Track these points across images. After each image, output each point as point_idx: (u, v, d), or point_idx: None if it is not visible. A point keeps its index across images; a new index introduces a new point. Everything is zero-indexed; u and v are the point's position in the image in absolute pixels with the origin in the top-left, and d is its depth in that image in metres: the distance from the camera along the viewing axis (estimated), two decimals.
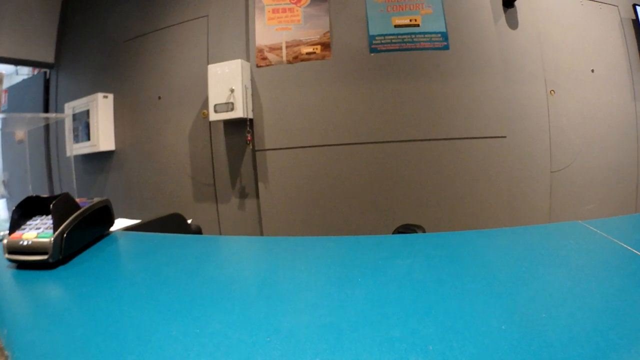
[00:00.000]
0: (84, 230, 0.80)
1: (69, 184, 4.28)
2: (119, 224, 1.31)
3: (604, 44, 3.48)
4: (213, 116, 3.35)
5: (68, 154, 4.36)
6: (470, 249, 0.71)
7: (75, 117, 4.34)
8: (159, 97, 3.97)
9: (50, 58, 4.81)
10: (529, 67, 3.38)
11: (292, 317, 0.47)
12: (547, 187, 3.40)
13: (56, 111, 4.74)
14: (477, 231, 0.79)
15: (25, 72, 5.57)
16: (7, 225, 0.74)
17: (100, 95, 4.17)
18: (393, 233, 2.08)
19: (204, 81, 3.43)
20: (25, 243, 0.69)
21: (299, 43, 3.35)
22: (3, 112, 5.06)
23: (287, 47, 3.36)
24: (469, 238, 0.77)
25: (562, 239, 0.72)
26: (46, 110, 4.87)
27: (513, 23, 3.36)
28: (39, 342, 0.45)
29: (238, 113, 3.24)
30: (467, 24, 3.22)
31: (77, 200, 0.83)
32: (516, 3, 3.35)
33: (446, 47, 3.20)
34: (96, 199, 0.88)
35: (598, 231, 0.70)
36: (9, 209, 3.42)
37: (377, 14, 3.26)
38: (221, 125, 3.65)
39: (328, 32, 3.31)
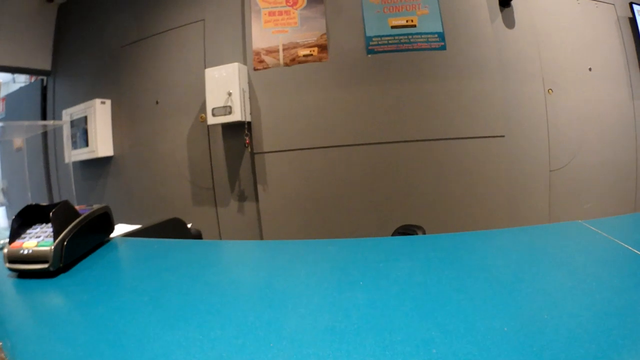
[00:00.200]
0: (84, 238, 0.79)
1: (68, 190, 4.28)
2: (119, 229, 1.31)
3: (601, 43, 3.49)
4: (211, 120, 3.35)
5: (66, 160, 4.36)
6: (471, 250, 0.71)
7: (73, 123, 4.34)
8: (157, 102, 3.97)
9: (47, 65, 4.82)
10: (527, 66, 3.38)
11: (295, 322, 0.47)
12: (546, 186, 3.41)
13: (54, 118, 4.74)
14: (478, 232, 0.79)
15: (22, 80, 5.58)
16: (7, 233, 0.74)
17: (97, 101, 4.17)
18: (393, 234, 2.08)
19: (201, 85, 3.43)
20: (25, 252, 0.69)
21: (295, 45, 3.35)
22: (1, 120, 5.06)
23: (284, 49, 3.36)
24: (470, 239, 0.77)
25: (563, 240, 0.72)
26: (44, 117, 4.87)
27: (510, 22, 3.37)
28: (41, 352, 0.45)
29: (236, 116, 3.24)
30: (463, 24, 3.22)
31: (77, 207, 0.83)
32: (513, 2, 3.36)
33: (443, 48, 3.21)
34: (96, 206, 0.87)
35: (599, 231, 0.70)
36: (8, 216, 3.42)
37: (374, 15, 3.26)
38: (219, 129, 3.65)
39: (325, 34, 3.32)
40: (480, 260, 0.66)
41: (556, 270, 0.57)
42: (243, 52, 3.49)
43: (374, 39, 3.25)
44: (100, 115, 4.18)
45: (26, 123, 3.58)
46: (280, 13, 3.37)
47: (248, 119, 3.36)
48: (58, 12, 4.85)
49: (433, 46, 3.21)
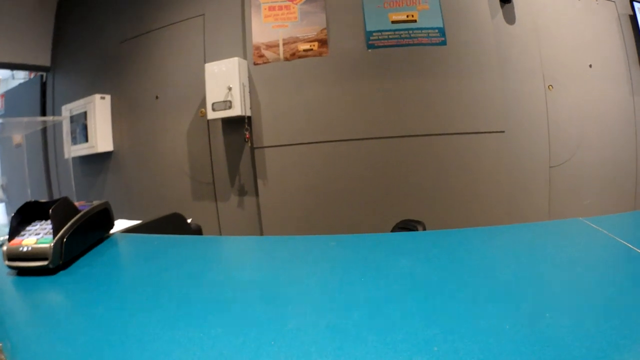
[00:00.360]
0: (83, 234, 0.79)
1: (68, 186, 4.27)
2: (119, 225, 1.31)
3: (602, 40, 3.48)
4: (211, 114, 3.35)
5: (66, 156, 4.35)
6: (473, 247, 0.71)
7: (72, 119, 4.33)
8: (157, 97, 3.96)
9: (46, 61, 4.80)
10: (527, 62, 3.37)
11: (296, 319, 0.47)
12: (546, 182, 3.40)
13: (53, 114, 4.73)
14: (479, 229, 0.79)
15: (21, 76, 5.56)
16: (7, 230, 0.74)
17: (97, 96, 4.16)
18: (393, 229, 2.09)
19: (201, 80, 3.42)
20: (25, 249, 0.69)
21: (295, 40, 3.34)
22: (0, 116, 5.06)
23: (284, 44, 3.35)
24: (471, 236, 0.77)
25: (564, 237, 0.72)
26: (43, 113, 4.86)
27: (510, 18, 3.36)
28: (41, 351, 0.45)
29: (236, 111, 3.24)
30: (464, 20, 3.21)
31: (76, 203, 0.83)
32: None
33: (443, 43, 3.20)
34: (95, 202, 0.87)
35: (599, 228, 0.70)
36: (8, 213, 3.42)
37: (374, 10, 3.25)
38: (219, 124, 3.64)
39: (325, 28, 3.31)
40: (481, 257, 0.66)
41: (557, 268, 0.57)
42: (243, 47, 3.48)
43: (374, 34, 3.24)
44: (99, 111, 4.18)
45: (25, 119, 3.59)
46: (280, 8, 3.36)
47: (248, 113, 3.35)
48: (57, 8, 4.84)
49: (433, 41, 3.20)
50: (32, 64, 4.75)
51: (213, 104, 3.31)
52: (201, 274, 0.67)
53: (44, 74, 4.96)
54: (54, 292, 0.64)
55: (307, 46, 3.32)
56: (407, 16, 3.21)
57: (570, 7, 3.46)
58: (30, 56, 4.66)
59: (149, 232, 1.00)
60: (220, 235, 3.70)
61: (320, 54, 3.30)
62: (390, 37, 3.22)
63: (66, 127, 4.35)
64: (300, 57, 3.32)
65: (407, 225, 2.05)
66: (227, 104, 3.25)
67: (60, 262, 0.70)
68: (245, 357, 0.40)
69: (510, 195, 3.27)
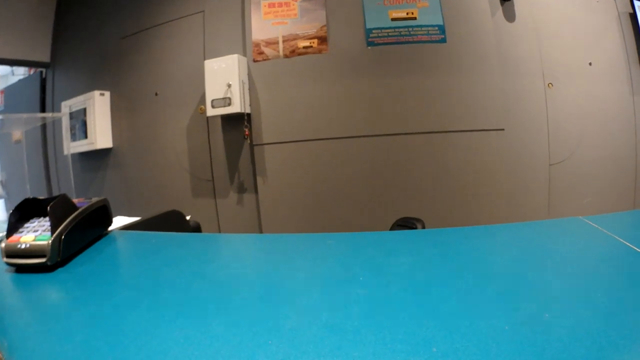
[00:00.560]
0: (82, 232, 0.79)
1: (67, 182, 4.27)
2: (118, 221, 1.31)
3: (602, 38, 3.47)
4: (210, 111, 3.35)
5: (65, 152, 4.35)
6: (472, 246, 0.71)
7: (72, 115, 4.33)
8: (156, 94, 3.96)
9: (46, 57, 4.80)
10: (527, 60, 3.37)
11: (294, 319, 0.47)
12: (546, 180, 3.40)
13: (53, 110, 4.72)
14: (479, 227, 0.78)
15: (21, 72, 5.55)
16: (5, 227, 0.74)
17: (97, 92, 4.16)
18: (392, 226, 2.09)
19: (200, 77, 3.42)
20: (23, 246, 0.68)
21: (295, 37, 3.33)
22: (0, 113, 5.05)
23: (283, 41, 3.35)
24: (470, 234, 0.77)
25: (564, 236, 0.72)
26: (43, 109, 4.85)
27: (510, 16, 3.35)
28: (38, 348, 0.45)
29: (235, 108, 3.24)
30: (464, 17, 3.21)
31: (75, 200, 0.83)
32: None
33: (443, 40, 3.19)
34: (94, 199, 0.87)
35: (599, 227, 0.70)
36: (7, 209, 3.42)
37: (374, 7, 3.25)
38: (219, 121, 3.64)
39: (324, 25, 3.30)
40: (481, 256, 0.66)
41: (556, 268, 0.57)
42: (243, 44, 3.47)
43: (374, 31, 3.24)
44: (99, 107, 4.17)
45: (25, 115, 3.58)
46: (280, 4, 3.36)
47: (247, 110, 3.35)
48: (57, 4, 4.83)
49: (433, 39, 3.20)
50: (32, 60, 4.74)
51: (212, 100, 3.31)
52: (199, 272, 0.67)
53: (44, 70, 4.96)
54: (51, 290, 0.63)
55: (306, 43, 3.31)
56: (407, 13, 3.21)
57: (571, 5, 3.46)
58: (30, 52, 4.65)
59: (148, 229, 1.00)
60: (220, 232, 3.71)
61: (320, 51, 3.30)
62: (390, 34, 3.22)
63: (65, 124, 4.34)
64: (299, 54, 3.32)
65: (406, 223, 2.06)
66: (227, 101, 3.25)
67: (59, 260, 0.70)
68: (242, 356, 0.40)
69: (509, 193, 3.27)
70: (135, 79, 4.10)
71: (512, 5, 3.35)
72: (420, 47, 3.21)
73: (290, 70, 3.34)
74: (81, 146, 4.28)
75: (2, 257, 0.69)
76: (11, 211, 0.74)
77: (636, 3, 3.48)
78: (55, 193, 0.79)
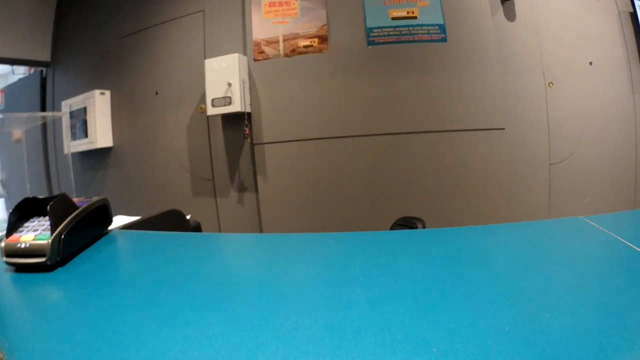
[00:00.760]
0: (82, 231, 0.79)
1: (67, 181, 4.27)
2: (118, 221, 1.31)
3: (602, 37, 3.47)
4: (211, 110, 3.35)
5: (66, 151, 4.35)
6: (473, 246, 0.71)
7: (72, 114, 4.33)
8: (156, 93, 3.95)
9: (46, 56, 4.80)
10: (527, 59, 3.37)
11: (294, 319, 0.47)
12: (546, 179, 3.40)
13: (53, 109, 4.72)
14: (479, 227, 0.78)
15: (21, 71, 5.55)
16: (5, 226, 0.74)
17: (97, 92, 4.16)
18: (392, 226, 2.08)
19: (201, 76, 3.42)
20: (22, 246, 0.68)
21: (296, 36, 3.33)
22: (0, 112, 5.05)
23: (284, 40, 3.35)
24: (471, 234, 0.76)
25: (564, 236, 0.72)
26: (43, 108, 4.85)
27: (511, 15, 3.35)
28: (38, 348, 0.44)
29: (236, 107, 3.24)
30: (464, 16, 3.21)
31: (75, 199, 0.83)
32: None
33: (444, 40, 3.19)
34: (94, 198, 0.87)
35: (599, 227, 0.70)
36: (7, 208, 3.42)
37: (374, 6, 3.25)
38: (219, 120, 3.64)
39: (325, 25, 3.30)
40: (481, 256, 0.66)
41: (557, 268, 0.57)
42: (243, 43, 3.47)
43: (374, 30, 3.24)
44: (99, 106, 4.17)
45: (25, 114, 3.58)
46: (281, 4, 3.36)
47: (248, 109, 3.35)
48: (57, 4, 4.82)
49: (434, 38, 3.20)
50: (32, 59, 4.74)
51: (213, 100, 3.31)
52: (199, 272, 0.67)
53: (44, 69, 4.95)
54: (51, 289, 0.63)
55: (307, 42, 3.31)
56: (408, 12, 3.21)
57: (571, 5, 3.45)
58: (30, 51, 4.65)
59: (148, 229, 1.00)
60: (220, 232, 3.71)
61: (320, 51, 3.30)
62: (390, 33, 3.22)
63: (66, 123, 4.34)
64: (300, 53, 3.32)
65: (406, 223, 2.05)
66: (227, 100, 3.25)
67: (58, 259, 0.70)
68: (242, 356, 0.40)
69: (510, 193, 3.27)
70: (135, 78, 4.10)
71: (513, 5, 3.35)
72: (420, 46, 3.21)
73: (290, 70, 3.34)
74: (81, 145, 4.28)
75: (2, 257, 0.69)
76: (11, 210, 0.74)
77: (636, 2, 3.47)
78: (56, 192, 0.79)
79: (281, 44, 3.35)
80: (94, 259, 0.75)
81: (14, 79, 5.56)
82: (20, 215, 0.76)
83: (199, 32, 3.72)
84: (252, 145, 3.45)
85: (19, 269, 0.70)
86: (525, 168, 3.38)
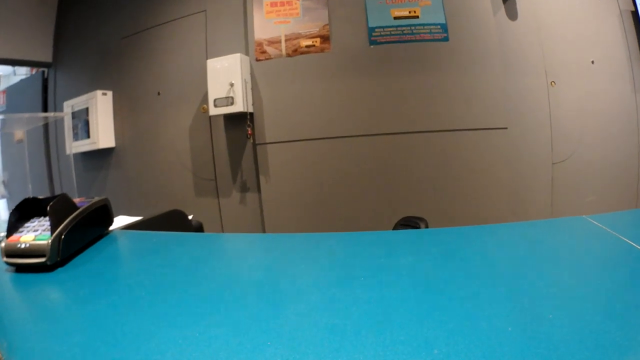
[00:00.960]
0: (82, 231, 0.79)
1: (69, 182, 4.28)
2: (119, 221, 1.31)
3: (604, 36, 3.46)
4: (213, 111, 3.35)
5: (67, 152, 4.36)
6: (475, 245, 0.71)
7: (74, 115, 4.34)
8: (159, 93, 3.96)
9: (48, 57, 4.80)
10: (529, 58, 3.36)
11: (294, 320, 0.46)
12: (549, 178, 3.39)
13: (55, 110, 4.73)
14: (481, 226, 0.78)
15: (23, 72, 5.56)
16: (5, 226, 0.74)
17: (99, 92, 4.16)
18: (395, 226, 2.08)
19: (203, 76, 3.42)
20: (22, 246, 0.68)
21: (298, 36, 3.33)
22: (2, 112, 5.06)
23: (286, 40, 3.35)
24: (473, 234, 0.76)
25: (567, 235, 0.72)
26: (45, 109, 4.86)
27: (512, 14, 3.34)
28: (38, 348, 0.44)
29: (238, 107, 3.24)
30: (466, 15, 3.20)
31: (76, 200, 0.83)
32: None
33: (446, 39, 3.19)
34: (95, 199, 0.87)
35: (602, 226, 0.70)
36: (9, 208, 3.43)
37: (376, 5, 3.24)
38: (221, 120, 3.64)
39: (327, 24, 3.30)
40: (484, 256, 0.65)
41: (560, 268, 0.56)
42: (245, 43, 3.48)
43: (376, 30, 3.23)
44: (101, 107, 4.18)
45: (27, 115, 3.58)
46: (283, 3, 3.35)
47: (250, 109, 3.35)
48: (59, 4, 4.83)
49: (436, 37, 3.19)
50: (34, 60, 4.75)
51: (215, 100, 3.31)
52: (200, 272, 0.67)
53: (46, 69, 4.96)
54: (51, 289, 0.63)
55: (309, 42, 3.31)
56: (409, 12, 3.20)
57: (572, 3, 3.45)
58: (31, 52, 4.66)
59: (150, 229, 0.99)
60: (223, 232, 3.71)
61: (322, 50, 3.30)
62: (392, 33, 3.21)
63: (68, 123, 4.35)
64: (302, 53, 3.32)
65: (409, 223, 2.05)
66: (229, 100, 3.25)
67: (58, 259, 0.70)
68: (241, 357, 0.40)
69: (512, 192, 3.26)
70: (137, 79, 4.11)
71: (514, 4, 3.34)
72: (422, 45, 3.21)
73: (292, 70, 3.34)
74: (83, 146, 4.29)
75: (2, 257, 0.69)
76: (11, 210, 0.74)
77: (638, 1, 3.46)
78: (58, 193, 0.79)
79: (283, 43, 3.35)
80: (94, 260, 0.75)
81: (15, 79, 5.57)
82: (20, 215, 0.76)
83: (200, 32, 3.72)
84: (254, 145, 3.45)
85: (19, 269, 0.70)
86: (528, 167, 3.37)
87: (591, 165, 3.43)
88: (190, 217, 1.68)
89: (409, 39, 3.21)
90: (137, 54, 4.09)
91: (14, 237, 0.71)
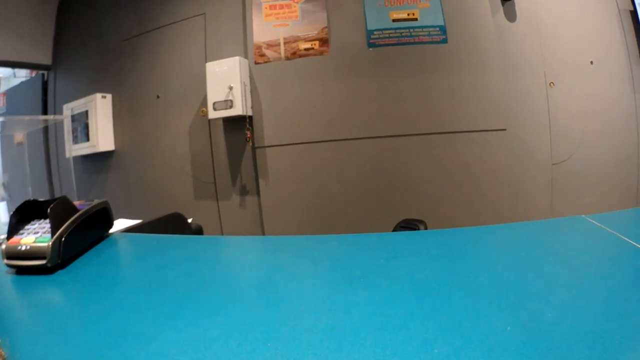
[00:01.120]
0: (82, 234, 0.79)
1: (69, 185, 4.27)
2: (119, 224, 1.30)
3: (603, 36, 3.47)
4: (212, 114, 3.35)
5: (67, 155, 4.36)
6: (474, 246, 0.71)
7: (74, 118, 4.34)
8: (158, 96, 3.96)
9: (47, 60, 4.81)
10: (528, 59, 3.37)
11: (294, 321, 0.46)
12: (548, 179, 3.40)
13: (55, 113, 4.73)
14: (481, 227, 0.78)
15: (23, 74, 5.56)
16: (6, 228, 0.74)
17: (98, 95, 4.17)
18: (395, 228, 2.08)
19: (202, 79, 3.42)
20: (23, 248, 0.68)
21: (296, 39, 3.34)
22: (2, 115, 5.06)
23: (285, 43, 3.35)
24: (473, 235, 0.76)
25: (567, 235, 0.72)
26: (45, 112, 4.87)
27: (511, 15, 3.35)
28: (39, 349, 0.44)
29: (237, 110, 3.24)
30: (465, 17, 3.21)
31: (76, 202, 0.83)
32: None
33: (444, 41, 3.19)
34: (95, 201, 0.87)
35: (602, 226, 0.70)
36: (9, 211, 3.42)
37: (375, 8, 3.25)
38: (220, 123, 3.64)
39: (326, 27, 3.30)
40: (483, 256, 0.65)
41: (560, 267, 0.56)
42: (244, 46, 3.48)
43: (375, 33, 3.24)
44: (101, 110, 4.18)
45: (27, 118, 3.58)
46: (281, 6, 3.36)
47: (249, 113, 3.35)
48: (58, 7, 4.84)
49: (434, 40, 3.20)
50: (34, 62, 4.75)
51: (214, 103, 3.31)
52: (200, 274, 0.67)
53: (46, 72, 4.97)
54: (51, 291, 0.63)
55: (308, 45, 3.32)
56: (408, 14, 3.21)
57: (571, 3, 3.45)
58: (31, 54, 4.66)
59: (149, 232, 0.99)
60: (222, 235, 3.71)
61: (321, 53, 3.30)
62: (391, 35, 3.22)
63: (67, 126, 4.35)
64: (301, 56, 3.33)
65: (408, 225, 2.05)
66: (228, 104, 3.26)
67: (59, 261, 0.70)
68: (241, 358, 0.40)
69: (512, 194, 3.26)
70: (136, 82, 4.11)
71: (513, 5, 3.35)
72: (421, 48, 3.21)
73: (291, 73, 3.34)
74: (83, 149, 4.29)
75: (3, 259, 0.69)
76: (12, 213, 0.75)
77: (637, 0, 3.47)
78: (57, 195, 0.79)
79: (282, 46, 3.36)
80: (95, 262, 0.75)
81: (15, 82, 5.57)
82: (21, 217, 0.76)
83: (199, 36, 3.73)
84: (253, 148, 3.46)
85: (20, 271, 0.70)
86: (527, 168, 3.38)
87: (591, 165, 3.44)
88: (189, 220, 1.68)
89: (408, 41, 3.21)
90: (137, 57, 4.10)
91: (15, 239, 0.71)
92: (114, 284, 0.66)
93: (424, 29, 3.20)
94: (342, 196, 3.29)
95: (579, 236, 0.70)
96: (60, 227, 0.72)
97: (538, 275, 0.54)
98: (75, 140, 4.37)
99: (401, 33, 3.22)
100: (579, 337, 0.38)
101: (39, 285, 0.65)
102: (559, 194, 3.41)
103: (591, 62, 3.43)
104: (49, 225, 0.72)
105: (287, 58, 3.35)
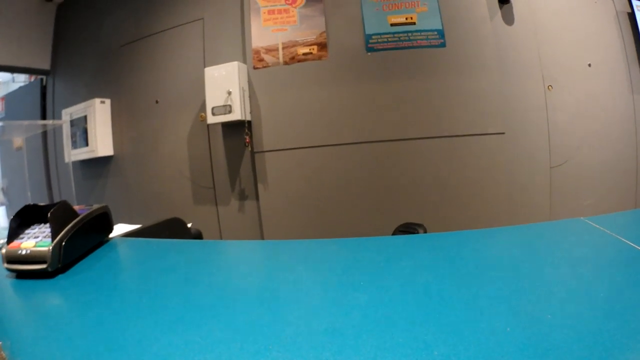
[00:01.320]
0: (82, 238, 0.79)
1: (68, 190, 4.28)
2: (119, 229, 1.30)
3: (601, 38, 3.47)
4: (211, 119, 3.35)
5: (66, 160, 4.36)
6: (473, 249, 0.71)
7: (72, 123, 4.34)
8: (157, 101, 3.96)
9: (46, 65, 4.81)
10: (526, 62, 3.37)
11: (295, 324, 0.47)
12: (547, 183, 3.40)
13: (53, 118, 4.73)
14: (479, 230, 0.78)
15: (21, 79, 5.57)
16: (6, 233, 0.74)
17: (97, 100, 4.17)
18: (394, 232, 2.08)
19: (201, 84, 3.42)
20: (23, 252, 0.69)
21: (295, 44, 3.34)
22: (0, 120, 5.07)
23: (283, 48, 3.36)
24: (472, 238, 0.76)
25: (565, 237, 0.72)
26: (44, 117, 4.87)
27: (509, 19, 3.36)
28: (40, 353, 0.44)
29: (236, 115, 3.24)
30: (463, 21, 3.21)
31: (76, 207, 0.83)
32: None
33: (443, 45, 3.20)
34: (95, 206, 0.87)
35: (600, 228, 0.70)
36: (8, 216, 3.42)
37: (373, 12, 3.26)
38: (219, 128, 3.64)
39: (324, 32, 3.31)
40: (482, 259, 0.65)
41: (559, 269, 0.57)
42: (242, 51, 3.48)
43: (373, 37, 3.24)
44: (100, 115, 4.18)
45: (26, 122, 3.59)
46: (280, 11, 3.37)
47: (248, 117, 3.36)
48: (57, 12, 4.85)
49: (432, 43, 3.20)
50: (32, 67, 4.76)
51: (213, 108, 3.31)
52: (200, 279, 0.67)
53: (44, 77, 4.97)
54: (52, 296, 0.63)
55: (306, 50, 3.32)
56: (406, 19, 3.22)
57: (569, 6, 3.46)
58: (30, 59, 4.67)
59: (149, 237, 1.00)
60: (221, 239, 3.70)
61: (319, 58, 3.30)
62: (389, 39, 3.22)
63: (66, 131, 4.35)
64: (299, 60, 3.33)
65: (408, 229, 2.05)
66: (227, 109, 3.26)
67: (59, 266, 0.70)
68: None
69: (511, 197, 3.26)
70: (135, 87, 4.11)
71: (511, 8, 3.36)
72: (419, 52, 3.22)
73: (290, 77, 3.34)
74: (82, 154, 4.29)
75: (3, 263, 0.69)
76: (12, 217, 0.75)
77: (634, 2, 3.48)
78: (57, 200, 0.79)
79: (280, 51, 3.36)
80: (95, 266, 0.75)
81: (14, 87, 5.58)
82: (21, 222, 0.76)
83: (198, 40, 3.73)
84: (252, 153, 3.45)
85: (20, 275, 0.70)
86: (526, 172, 3.38)
87: (589, 168, 3.44)
88: (189, 225, 1.68)
89: (406, 45, 3.22)
90: (135, 62, 4.10)
91: (15, 243, 0.71)
92: (114, 288, 0.66)
93: (422, 33, 3.21)
94: (341, 200, 3.29)
95: (577, 238, 0.70)
96: (61, 231, 0.72)
97: (538, 277, 0.54)
98: (74, 145, 4.37)
99: (399, 37, 3.22)
100: (579, 338, 0.38)
101: (39, 289, 0.65)
102: (558, 196, 3.41)
103: (589, 65, 3.44)
104: (49, 230, 0.72)
105: (286, 63, 3.35)
